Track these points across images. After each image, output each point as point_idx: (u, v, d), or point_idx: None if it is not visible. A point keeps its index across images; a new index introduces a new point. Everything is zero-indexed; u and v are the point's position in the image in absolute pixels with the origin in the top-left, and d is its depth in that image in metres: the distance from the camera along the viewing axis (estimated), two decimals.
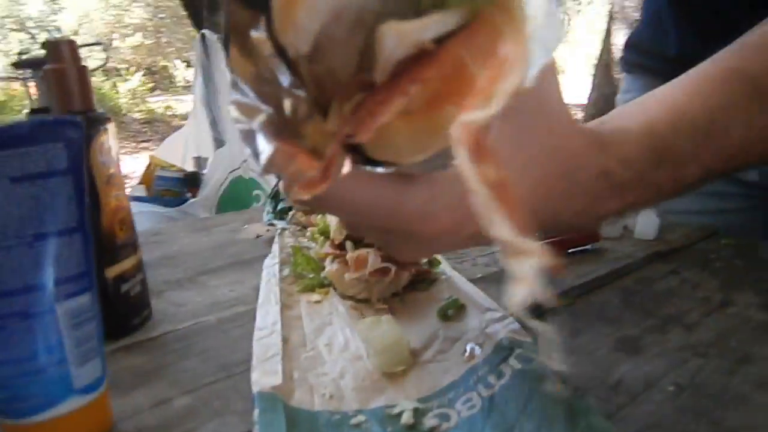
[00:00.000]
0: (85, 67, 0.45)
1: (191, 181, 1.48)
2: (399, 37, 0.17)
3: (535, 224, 0.28)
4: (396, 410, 0.33)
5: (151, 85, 8.47)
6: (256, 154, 0.21)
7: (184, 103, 7.92)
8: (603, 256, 0.57)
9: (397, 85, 0.17)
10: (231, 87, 0.22)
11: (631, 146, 0.32)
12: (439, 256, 0.54)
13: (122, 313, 0.47)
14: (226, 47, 0.23)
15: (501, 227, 0.15)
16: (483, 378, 0.34)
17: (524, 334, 0.38)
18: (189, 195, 1.44)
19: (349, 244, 0.48)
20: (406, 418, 0.32)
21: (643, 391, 0.35)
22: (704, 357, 0.38)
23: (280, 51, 0.20)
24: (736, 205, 0.68)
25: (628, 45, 0.74)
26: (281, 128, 0.21)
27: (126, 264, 0.47)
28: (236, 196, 1.47)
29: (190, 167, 1.63)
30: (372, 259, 0.46)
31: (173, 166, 1.59)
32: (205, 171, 1.54)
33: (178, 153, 1.70)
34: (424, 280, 0.50)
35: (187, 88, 8.68)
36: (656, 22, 0.67)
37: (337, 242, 0.50)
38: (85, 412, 0.32)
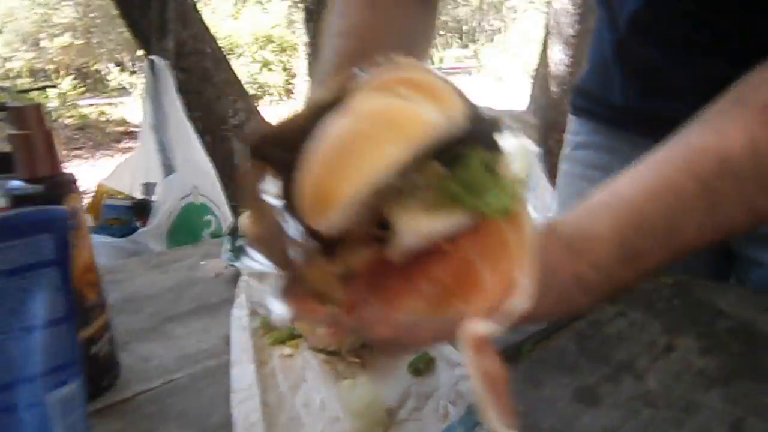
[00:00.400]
0: (50, 131, 0.45)
1: (140, 209, 1.44)
2: (415, 232, 0.19)
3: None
4: None
5: (82, 88, 8.14)
6: (271, 311, 0.24)
7: (117, 108, 7.66)
8: None
9: (411, 282, 0.20)
10: (240, 251, 0.24)
11: (601, 252, 0.36)
12: None
13: (92, 375, 0.46)
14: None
15: (492, 416, 0.18)
16: None
17: None
18: (138, 223, 1.41)
19: None
20: None
21: None
22: (654, 407, 0.42)
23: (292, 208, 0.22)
24: None
25: (577, 90, 0.79)
26: (289, 282, 0.23)
27: (96, 325, 0.47)
28: (187, 223, 1.45)
29: (138, 195, 1.59)
30: None
31: (121, 193, 1.54)
32: (154, 198, 1.51)
33: (125, 180, 1.65)
34: None
35: (121, 91, 8.41)
36: (602, 71, 0.71)
37: None
38: None
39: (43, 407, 0.30)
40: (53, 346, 0.31)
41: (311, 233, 0.21)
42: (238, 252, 0.77)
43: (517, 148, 0.22)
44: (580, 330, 0.54)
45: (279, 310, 0.23)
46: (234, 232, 0.80)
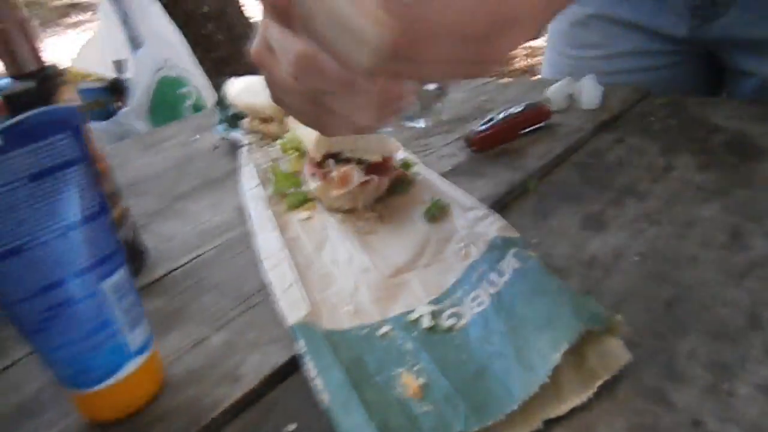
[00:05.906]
0: (28, 20, 0.42)
1: (116, 89, 1.38)
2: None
3: None
4: (415, 315, 0.38)
5: None
6: None
7: None
8: (556, 132, 0.62)
9: None
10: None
11: None
12: (410, 156, 0.57)
13: None
14: None
15: None
16: (485, 276, 0.39)
17: (512, 231, 0.43)
18: (117, 103, 1.35)
19: (331, 162, 0.51)
20: (426, 322, 0.38)
21: (613, 264, 0.41)
22: (658, 224, 0.45)
23: None
24: (664, 62, 0.73)
25: None
26: None
27: (116, 212, 0.48)
28: (166, 98, 1.39)
29: (110, 73, 1.51)
30: (356, 175, 0.49)
31: (92, 75, 1.46)
32: (127, 75, 1.44)
33: (94, 60, 1.55)
34: (402, 182, 0.54)
35: None
36: None
37: (317, 160, 0.52)
38: (143, 370, 0.35)
39: (99, 295, 0.32)
40: (95, 239, 0.32)
41: None
42: (230, 122, 0.76)
43: None
44: (581, 161, 0.56)
45: None
46: (222, 103, 0.79)
